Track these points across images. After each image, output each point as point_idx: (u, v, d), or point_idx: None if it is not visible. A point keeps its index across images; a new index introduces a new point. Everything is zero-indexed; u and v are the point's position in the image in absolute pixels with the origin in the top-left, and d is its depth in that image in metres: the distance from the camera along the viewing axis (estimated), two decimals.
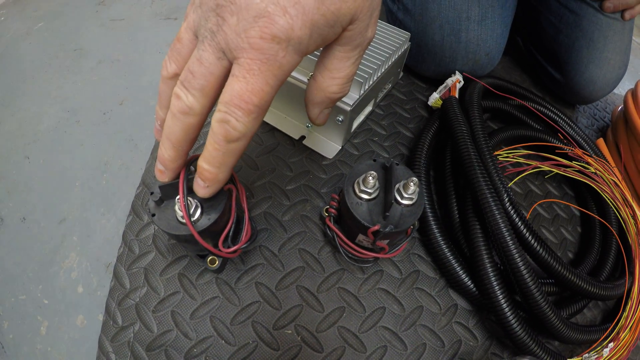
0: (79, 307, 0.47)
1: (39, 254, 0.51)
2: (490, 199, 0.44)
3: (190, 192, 0.36)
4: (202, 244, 0.33)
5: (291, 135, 0.58)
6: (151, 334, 0.42)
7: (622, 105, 0.72)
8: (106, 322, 0.43)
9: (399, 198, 0.38)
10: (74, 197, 0.55)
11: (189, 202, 0.34)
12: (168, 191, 0.35)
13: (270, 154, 0.56)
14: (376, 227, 0.36)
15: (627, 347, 0.45)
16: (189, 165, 0.34)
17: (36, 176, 0.57)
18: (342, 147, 0.58)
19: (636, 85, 0.70)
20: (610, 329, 0.47)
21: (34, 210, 0.54)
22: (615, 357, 0.44)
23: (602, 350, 0.44)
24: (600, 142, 0.74)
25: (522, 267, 0.42)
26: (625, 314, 0.48)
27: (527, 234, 0.45)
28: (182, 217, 0.33)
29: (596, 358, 0.44)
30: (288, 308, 0.44)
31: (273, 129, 0.59)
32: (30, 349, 0.45)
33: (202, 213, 0.35)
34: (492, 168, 0.48)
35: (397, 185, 0.38)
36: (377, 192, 0.39)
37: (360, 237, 0.41)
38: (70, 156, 0.59)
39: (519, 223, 0.45)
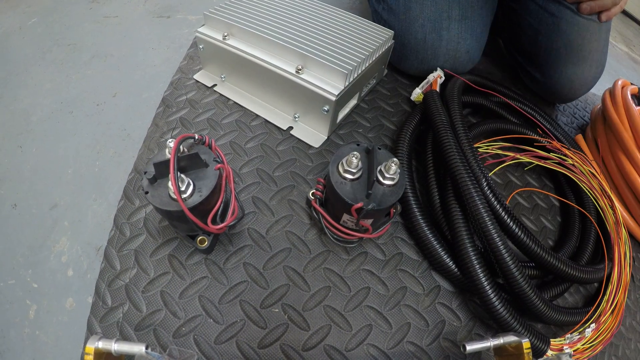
0: (68, 290, 0.48)
1: (29, 239, 0.51)
2: (470, 183, 0.46)
3: (182, 170, 0.38)
4: (191, 218, 0.35)
5: (279, 125, 0.60)
6: (140, 313, 0.43)
7: (601, 104, 0.75)
8: (95, 303, 0.43)
9: (380, 178, 0.40)
10: (65, 184, 0.56)
11: (181, 179, 0.36)
12: (161, 169, 0.36)
13: (259, 143, 0.58)
14: (359, 205, 0.38)
15: (610, 330, 0.47)
16: (179, 144, 0.36)
17: (28, 164, 0.58)
18: (328, 137, 0.60)
19: (614, 85, 0.73)
20: (591, 311, 0.49)
21: (25, 197, 0.55)
22: (598, 340, 0.46)
23: (585, 331, 0.46)
24: (579, 138, 0.77)
25: (502, 247, 0.44)
26: (606, 298, 0.50)
27: (506, 216, 0.46)
28: (174, 193, 0.35)
29: (579, 339, 0.45)
30: (275, 287, 0.46)
31: (262, 120, 0.61)
32: (17, 333, 0.46)
33: (194, 190, 0.37)
34: (470, 155, 0.50)
35: (379, 167, 0.40)
36: (361, 172, 0.41)
37: (345, 217, 0.43)
38: (63, 145, 0.60)
39: (498, 206, 0.47)
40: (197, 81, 0.65)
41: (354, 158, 0.39)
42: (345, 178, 0.40)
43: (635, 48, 1.42)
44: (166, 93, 0.63)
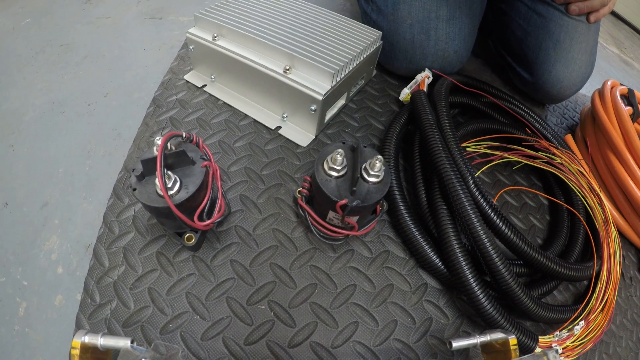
0: (58, 287, 0.48)
1: (20, 237, 0.52)
2: (455, 181, 0.47)
3: (169, 167, 0.38)
4: (178, 214, 0.35)
5: (268, 125, 0.61)
6: (128, 310, 0.43)
7: (590, 104, 0.76)
8: (84, 300, 0.44)
9: (365, 175, 0.40)
10: (56, 183, 0.56)
11: (168, 176, 0.36)
12: (149, 166, 0.37)
13: (247, 142, 0.58)
14: (344, 202, 0.38)
15: (600, 327, 0.47)
16: (166, 142, 0.36)
17: (20, 164, 0.58)
18: (316, 136, 0.61)
19: (603, 85, 0.74)
20: (580, 308, 0.49)
21: (16, 195, 0.55)
22: (588, 337, 0.46)
23: (574, 328, 0.46)
24: (569, 138, 0.77)
25: (488, 244, 0.44)
26: (595, 296, 0.50)
27: (492, 214, 0.47)
28: (161, 189, 0.35)
29: (568, 336, 0.46)
30: (262, 284, 0.46)
31: (251, 120, 0.61)
32: (7, 330, 0.46)
33: (180, 187, 0.37)
34: (457, 153, 0.51)
35: (363, 164, 0.41)
36: (345, 170, 0.41)
37: (331, 214, 0.43)
38: (54, 145, 0.60)
39: (484, 204, 0.47)
40: (188, 81, 0.66)
41: (338, 155, 0.39)
42: (330, 175, 0.40)
43: (626, 50, 1.43)
44: (157, 93, 0.63)
